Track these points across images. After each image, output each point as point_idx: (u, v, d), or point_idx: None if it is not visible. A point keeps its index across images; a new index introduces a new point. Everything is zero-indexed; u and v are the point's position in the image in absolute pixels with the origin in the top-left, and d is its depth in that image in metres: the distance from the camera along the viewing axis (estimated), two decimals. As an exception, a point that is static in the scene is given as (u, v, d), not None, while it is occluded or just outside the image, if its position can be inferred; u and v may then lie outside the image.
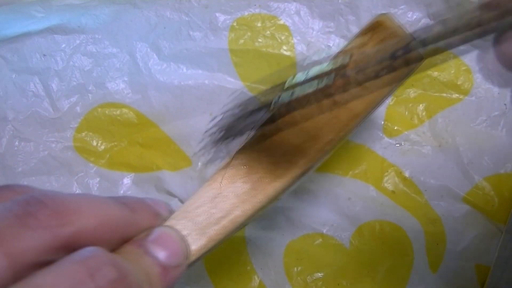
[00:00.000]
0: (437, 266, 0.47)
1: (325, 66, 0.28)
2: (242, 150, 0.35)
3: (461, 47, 0.51)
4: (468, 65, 0.53)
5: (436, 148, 0.51)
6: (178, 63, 0.51)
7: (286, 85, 0.29)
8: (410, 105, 0.51)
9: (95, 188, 0.49)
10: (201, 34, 0.51)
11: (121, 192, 0.49)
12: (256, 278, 0.45)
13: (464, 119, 0.52)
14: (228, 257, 0.46)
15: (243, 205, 0.33)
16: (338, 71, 0.28)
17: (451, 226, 0.48)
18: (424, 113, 0.52)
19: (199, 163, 0.50)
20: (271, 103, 0.29)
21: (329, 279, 0.45)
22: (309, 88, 0.28)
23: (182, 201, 0.48)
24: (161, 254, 0.25)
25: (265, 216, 0.47)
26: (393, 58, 0.28)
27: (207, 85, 0.51)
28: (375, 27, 0.36)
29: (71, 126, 0.49)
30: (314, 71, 0.28)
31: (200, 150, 0.32)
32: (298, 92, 0.28)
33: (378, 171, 0.50)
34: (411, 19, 0.52)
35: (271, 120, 0.31)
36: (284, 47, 0.52)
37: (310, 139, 0.36)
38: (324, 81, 0.28)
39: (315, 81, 0.28)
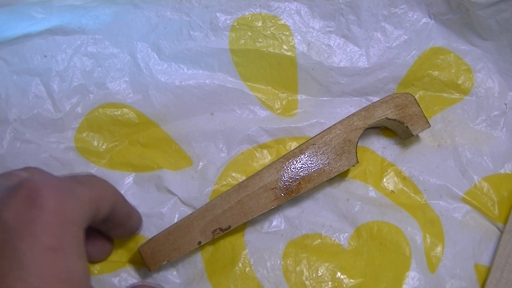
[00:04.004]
0: (436, 267, 0.47)
1: None
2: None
3: (462, 47, 0.52)
4: (468, 65, 0.53)
5: (435, 148, 0.51)
6: (179, 63, 0.51)
7: None
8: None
9: (96, 189, 0.49)
10: (202, 34, 0.51)
11: (122, 191, 0.49)
12: (255, 279, 0.45)
13: (464, 119, 0.52)
14: (227, 258, 0.46)
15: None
16: None
17: (450, 226, 0.48)
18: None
19: (200, 163, 0.50)
20: None
21: (328, 280, 0.45)
22: None
23: (182, 200, 0.49)
24: None
25: (264, 217, 0.48)
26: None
27: (208, 85, 0.51)
28: None
29: (72, 126, 0.49)
30: None
31: None
32: None
33: (378, 171, 0.50)
34: (412, 18, 0.52)
35: None
36: (285, 47, 0.52)
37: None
38: None
39: None
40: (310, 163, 0.46)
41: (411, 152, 0.51)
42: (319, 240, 0.47)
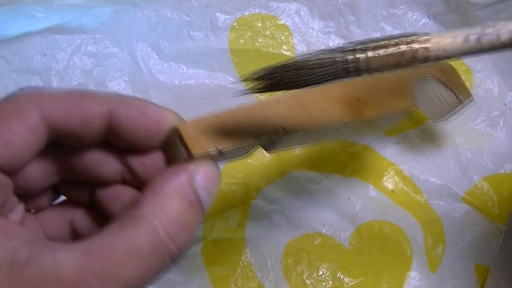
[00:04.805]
0: (437, 266, 0.47)
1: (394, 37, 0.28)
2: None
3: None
4: (468, 65, 0.53)
5: (435, 148, 0.51)
6: (178, 63, 0.51)
7: (360, 46, 0.27)
8: (410, 105, 0.51)
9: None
10: (202, 34, 0.51)
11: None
12: (255, 278, 0.45)
13: (463, 120, 0.52)
14: (227, 257, 0.46)
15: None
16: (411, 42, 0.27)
17: (451, 226, 0.48)
18: (423, 114, 0.52)
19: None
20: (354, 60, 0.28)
21: (328, 279, 0.45)
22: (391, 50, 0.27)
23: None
24: (207, 204, 0.26)
25: (265, 216, 0.48)
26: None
27: (208, 85, 0.51)
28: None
29: (72, 126, 0.49)
30: (381, 39, 0.28)
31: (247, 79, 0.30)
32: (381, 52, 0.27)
33: (378, 170, 0.50)
34: (411, 19, 0.52)
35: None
36: (284, 47, 0.52)
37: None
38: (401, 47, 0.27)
39: (391, 45, 0.27)
40: (374, 90, 0.40)
41: (411, 152, 0.51)
42: (320, 239, 0.47)
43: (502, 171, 0.50)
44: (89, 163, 0.28)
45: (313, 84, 0.28)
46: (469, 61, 0.53)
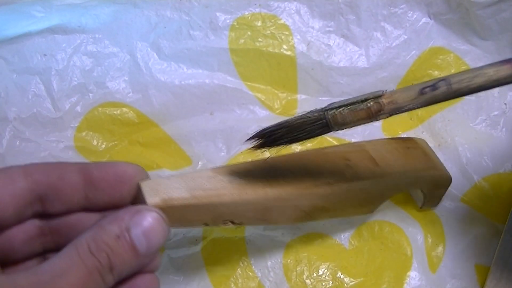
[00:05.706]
0: (437, 266, 0.47)
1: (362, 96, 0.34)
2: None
3: (462, 47, 0.52)
4: (468, 64, 0.53)
5: (436, 148, 0.51)
6: (178, 62, 0.51)
7: (333, 105, 0.34)
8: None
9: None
10: (202, 34, 0.51)
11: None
12: (255, 278, 0.45)
13: (464, 119, 0.52)
14: (227, 257, 0.46)
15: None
16: (374, 99, 0.34)
17: (451, 226, 0.48)
18: (423, 113, 0.52)
19: (199, 162, 0.50)
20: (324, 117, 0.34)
21: (328, 279, 0.45)
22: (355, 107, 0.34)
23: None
24: (142, 246, 0.28)
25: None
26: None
27: (208, 85, 0.51)
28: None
29: (72, 125, 0.49)
30: (354, 97, 0.34)
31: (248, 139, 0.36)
32: (346, 109, 0.33)
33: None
34: (412, 18, 0.52)
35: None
36: (285, 47, 0.52)
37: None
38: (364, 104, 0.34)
39: (357, 103, 0.34)
40: (339, 198, 0.42)
41: (411, 152, 0.51)
42: (320, 239, 0.47)
43: (502, 171, 0.50)
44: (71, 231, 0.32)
45: (304, 139, 0.35)
46: (469, 60, 0.53)
